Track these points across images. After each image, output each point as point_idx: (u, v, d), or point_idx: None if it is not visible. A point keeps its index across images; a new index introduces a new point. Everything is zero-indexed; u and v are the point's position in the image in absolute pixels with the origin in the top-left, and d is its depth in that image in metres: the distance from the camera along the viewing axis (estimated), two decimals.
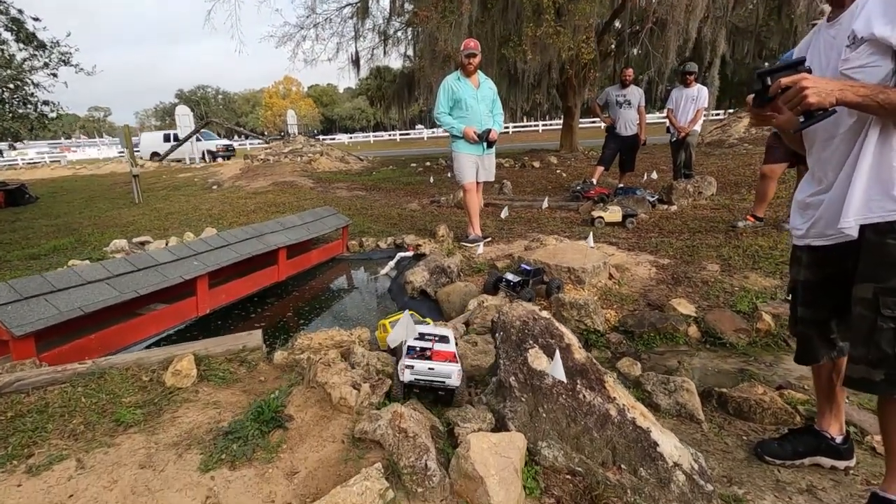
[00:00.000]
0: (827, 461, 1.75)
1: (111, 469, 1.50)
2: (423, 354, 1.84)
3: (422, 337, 1.93)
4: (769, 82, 1.34)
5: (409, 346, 1.89)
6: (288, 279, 4.45)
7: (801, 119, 1.31)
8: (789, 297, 1.80)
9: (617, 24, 12.95)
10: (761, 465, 1.78)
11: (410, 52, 15.94)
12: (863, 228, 1.37)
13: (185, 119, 20.38)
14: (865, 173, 1.34)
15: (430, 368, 1.77)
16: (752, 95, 1.44)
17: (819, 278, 1.60)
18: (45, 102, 9.95)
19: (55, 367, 2.13)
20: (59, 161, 29.51)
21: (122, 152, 19.50)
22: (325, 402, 1.76)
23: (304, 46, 34.20)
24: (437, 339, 1.93)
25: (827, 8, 1.54)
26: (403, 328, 1.90)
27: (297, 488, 1.42)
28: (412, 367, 1.78)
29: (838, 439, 1.75)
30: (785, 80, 1.28)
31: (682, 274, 3.69)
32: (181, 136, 20.57)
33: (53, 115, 10.19)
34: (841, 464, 1.75)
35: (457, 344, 2.07)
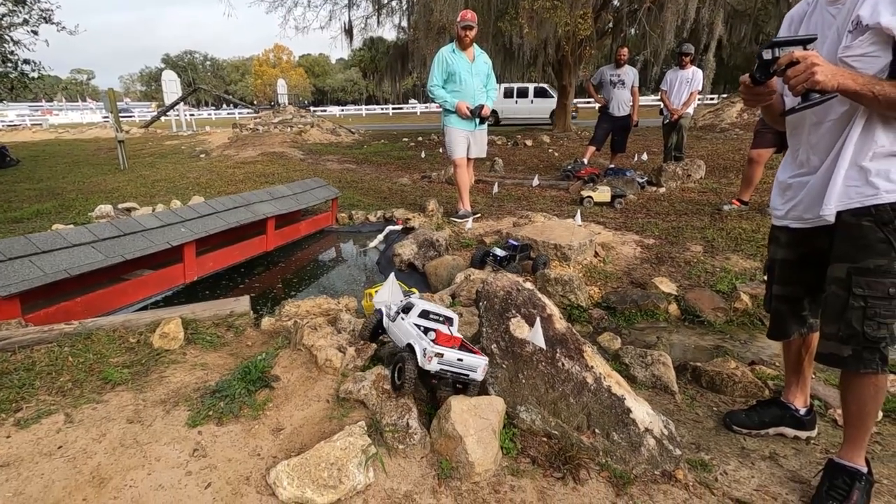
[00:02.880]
0: (790, 431, 1.84)
1: (99, 423, 1.53)
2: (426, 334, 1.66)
3: (426, 315, 1.76)
4: (779, 53, 1.30)
5: (414, 325, 1.71)
6: (276, 249, 4.45)
7: (800, 100, 1.30)
8: (766, 276, 1.86)
9: (615, 1, 12.75)
10: (729, 434, 1.87)
11: (405, 24, 15.62)
12: (839, 212, 1.40)
13: (171, 85, 19.80)
14: (848, 161, 1.36)
15: (459, 360, 1.56)
16: (747, 75, 1.41)
17: (795, 257, 1.65)
18: (26, 61, 9.63)
19: (41, 327, 2.14)
20: (40, 124, 28.66)
21: (107, 117, 18.92)
22: (311, 364, 1.80)
23: (295, 13, 33.31)
24: (441, 319, 1.78)
25: None
26: (388, 291, 1.90)
27: (283, 443, 1.46)
28: (442, 354, 1.54)
29: (802, 411, 1.84)
30: (797, 54, 1.26)
31: (666, 254, 3.76)
32: (167, 102, 20.02)
33: (35, 74, 9.87)
34: (803, 434, 1.84)
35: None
